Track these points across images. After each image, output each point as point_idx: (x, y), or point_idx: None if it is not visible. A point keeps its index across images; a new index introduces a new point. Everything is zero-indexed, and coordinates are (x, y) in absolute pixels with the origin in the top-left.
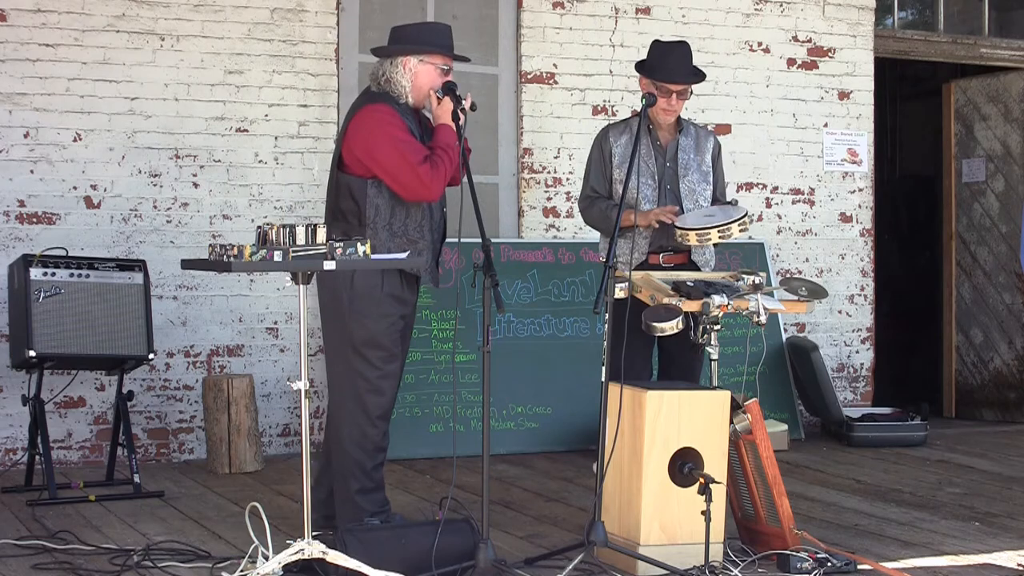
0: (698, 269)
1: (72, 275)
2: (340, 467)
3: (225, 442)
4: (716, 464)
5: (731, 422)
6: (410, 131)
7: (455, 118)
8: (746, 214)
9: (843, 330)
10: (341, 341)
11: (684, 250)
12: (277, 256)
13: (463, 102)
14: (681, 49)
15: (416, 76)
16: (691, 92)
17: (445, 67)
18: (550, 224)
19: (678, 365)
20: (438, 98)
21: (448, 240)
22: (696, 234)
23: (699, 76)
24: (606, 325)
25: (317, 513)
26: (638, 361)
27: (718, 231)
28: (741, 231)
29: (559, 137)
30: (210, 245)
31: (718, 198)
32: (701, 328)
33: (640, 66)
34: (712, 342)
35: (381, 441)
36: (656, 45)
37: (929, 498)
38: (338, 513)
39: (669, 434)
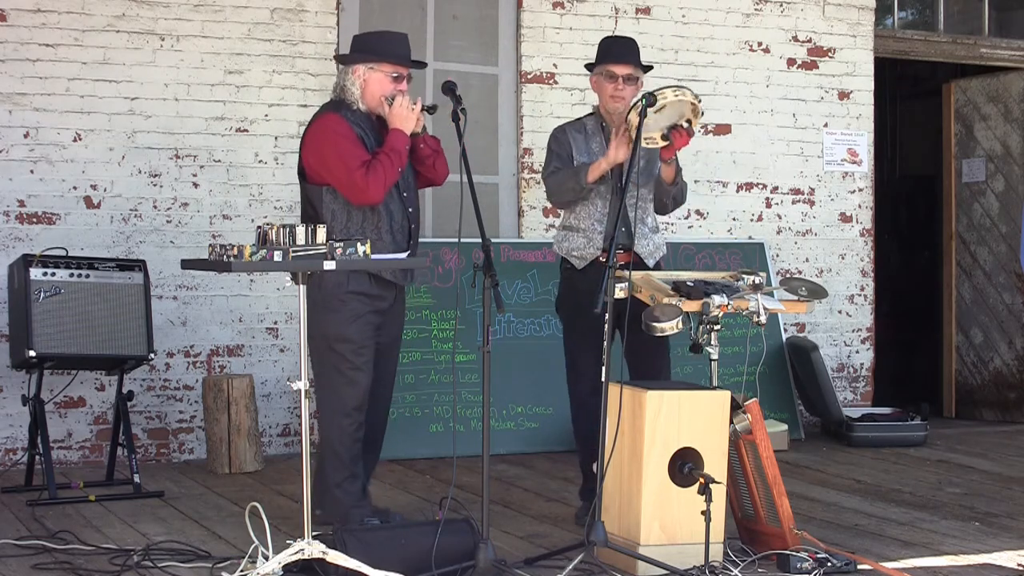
0: (643, 263)
1: (72, 275)
2: (320, 459)
3: (225, 442)
4: (716, 464)
5: (731, 422)
6: (359, 137)
7: (455, 119)
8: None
9: (843, 330)
10: (315, 337)
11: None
12: (277, 256)
13: (461, 103)
14: (626, 42)
15: (366, 83)
16: (637, 80)
17: (395, 75)
18: (550, 224)
19: (645, 363)
20: (388, 103)
21: (448, 240)
22: (674, 91)
23: (642, 64)
24: (605, 325)
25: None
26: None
27: (672, 90)
28: (696, 99)
29: None
30: (210, 245)
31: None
32: (701, 328)
33: (590, 64)
34: (712, 342)
35: (356, 432)
36: (603, 40)
37: (929, 498)
38: (321, 505)
39: (669, 434)
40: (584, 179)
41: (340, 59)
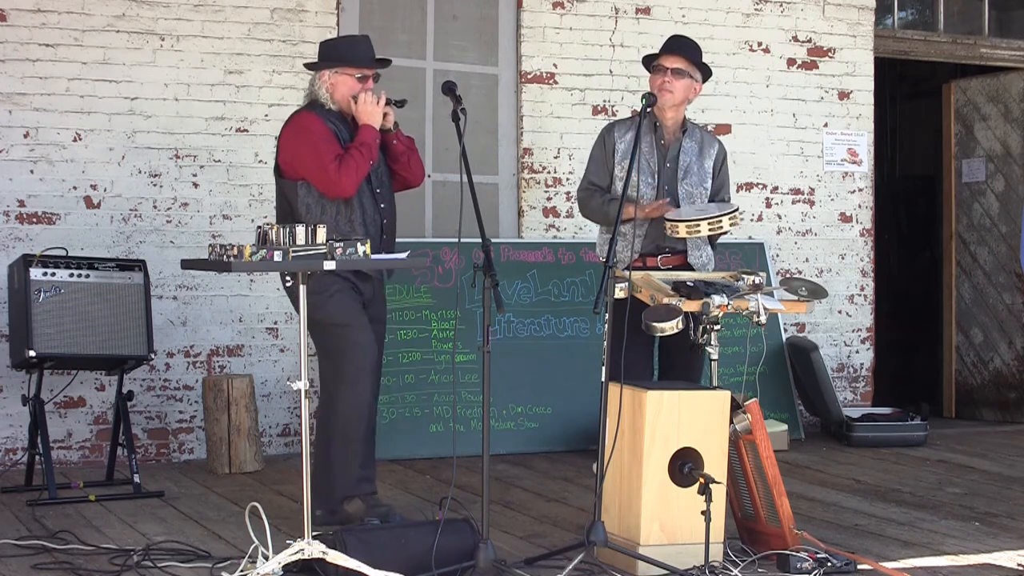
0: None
1: (72, 275)
2: (327, 443)
3: (225, 442)
4: (716, 464)
5: (731, 422)
6: (332, 133)
7: (455, 119)
8: (737, 209)
9: (843, 330)
10: (311, 324)
11: (681, 251)
12: (277, 256)
13: (461, 103)
14: (684, 39)
15: (333, 87)
16: (690, 78)
17: (360, 76)
18: (550, 224)
19: (678, 365)
20: (354, 102)
21: (448, 240)
22: (686, 225)
23: (699, 62)
24: (606, 325)
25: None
26: (639, 362)
27: (708, 223)
28: (732, 225)
29: (559, 137)
30: (210, 245)
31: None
32: (701, 328)
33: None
34: (712, 342)
35: (370, 403)
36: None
37: (929, 498)
38: (328, 492)
39: (669, 434)
40: (612, 217)
41: (308, 66)
